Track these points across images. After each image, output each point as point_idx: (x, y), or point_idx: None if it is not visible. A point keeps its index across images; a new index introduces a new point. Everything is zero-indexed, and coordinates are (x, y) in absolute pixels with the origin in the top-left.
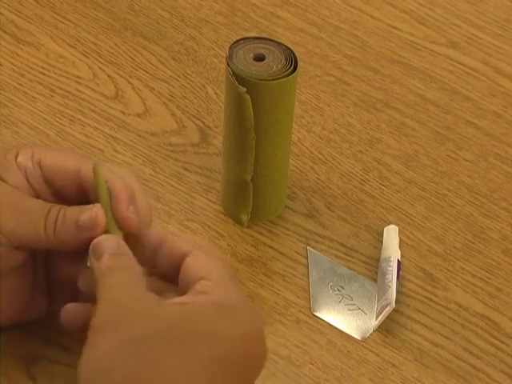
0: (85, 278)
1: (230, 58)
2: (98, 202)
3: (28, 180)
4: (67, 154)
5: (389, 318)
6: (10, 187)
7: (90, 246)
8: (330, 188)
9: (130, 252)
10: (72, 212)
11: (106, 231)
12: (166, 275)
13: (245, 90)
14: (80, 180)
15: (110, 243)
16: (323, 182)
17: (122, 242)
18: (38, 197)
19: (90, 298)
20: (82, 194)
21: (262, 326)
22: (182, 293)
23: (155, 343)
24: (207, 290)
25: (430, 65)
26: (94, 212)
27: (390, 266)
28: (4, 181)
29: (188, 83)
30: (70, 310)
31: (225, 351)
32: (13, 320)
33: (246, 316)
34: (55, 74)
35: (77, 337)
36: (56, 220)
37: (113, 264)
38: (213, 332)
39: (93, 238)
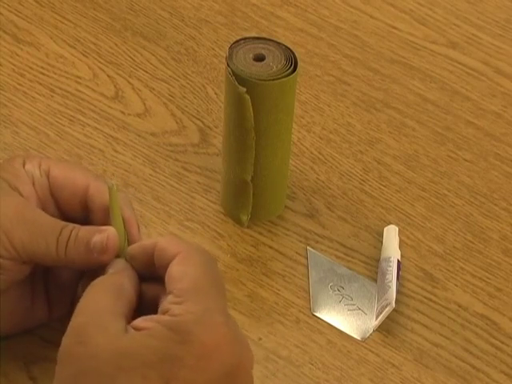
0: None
1: (229, 58)
2: (110, 223)
3: (35, 189)
4: (75, 167)
5: (389, 318)
6: (22, 199)
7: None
8: (329, 188)
9: (131, 273)
10: (85, 232)
11: (118, 254)
12: (161, 277)
13: (245, 90)
14: (86, 196)
15: (116, 264)
16: (323, 182)
17: (122, 260)
18: (42, 207)
19: None
20: (85, 211)
21: (223, 339)
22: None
23: (100, 375)
24: (168, 308)
25: (429, 65)
26: (106, 236)
27: (390, 266)
28: (16, 189)
29: (188, 83)
30: None
31: (179, 371)
32: (13, 329)
33: (201, 334)
34: (55, 74)
35: None
36: (68, 239)
37: (99, 280)
38: (163, 355)
39: (103, 260)
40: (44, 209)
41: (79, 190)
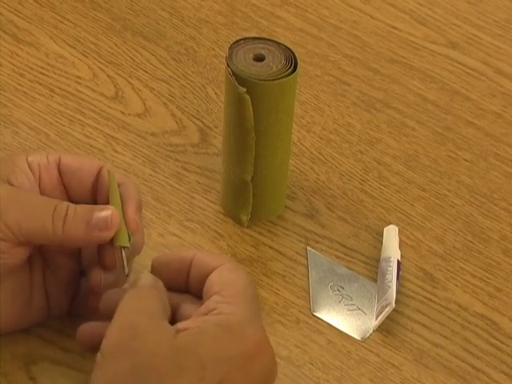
0: (109, 299)
1: (229, 58)
2: (109, 202)
3: (40, 179)
4: (82, 154)
5: (389, 318)
6: (12, 187)
7: (132, 279)
8: (329, 188)
9: (163, 289)
10: (83, 210)
11: (116, 233)
12: (197, 292)
13: (245, 90)
14: (98, 178)
15: (146, 277)
16: (323, 182)
17: (159, 281)
18: (46, 196)
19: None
20: (92, 197)
21: (267, 343)
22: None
23: (160, 372)
24: (215, 307)
25: (429, 65)
26: (111, 214)
27: (390, 266)
28: (9, 181)
29: (188, 83)
30: (87, 329)
31: (231, 371)
32: (12, 326)
33: (246, 333)
34: (55, 74)
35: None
36: (66, 216)
37: (144, 289)
38: (217, 353)
39: (103, 237)
40: (51, 197)
41: (93, 170)
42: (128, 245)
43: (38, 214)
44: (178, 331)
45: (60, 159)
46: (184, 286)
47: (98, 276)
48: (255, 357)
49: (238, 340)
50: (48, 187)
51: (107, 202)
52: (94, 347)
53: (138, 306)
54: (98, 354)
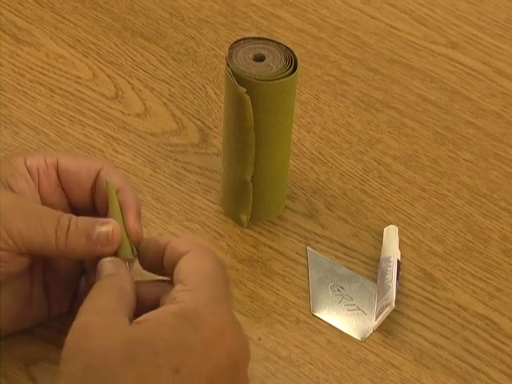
0: None
1: (229, 58)
2: (109, 214)
3: (39, 183)
4: (82, 154)
5: (389, 318)
6: (15, 194)
7: (97, 267)
8: (329, 188)
9: (126, 273)
10: (85, 224)
11: (119, 246)
12: (170, 275)
13: (245, 90)
14: (97, 181)
15: (108, 265)
16: (323, 182)
17: (123, 264)
18: (45, 200)
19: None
20: (91, 200)
21: (230, 325)
22: None
23: (112, 367)
24: (175, 297)
25: (429, 65)
26: (112, 229)
27: (390, 267)
28: (10, 186)
29: (188, 83)
30: None
31: (188, 357)
32: (12, 326)
33: (209, 319)
34: (55, 74)
35: None
36: (68, 228)
37: (100, 284)
38: (172, 342)
39: (105, 251)
40: (49, 202)
41: (92, 173)
42: (131, 256)
43: (41, 226)
44: (136, 324)
45: (58, 162)
46: (161, 272)
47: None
48: (216, 342)
49: (194, 327)
50: (47, 191)
51: (106, 207)
52: None
53: (93, 304)
54: (60, 361)
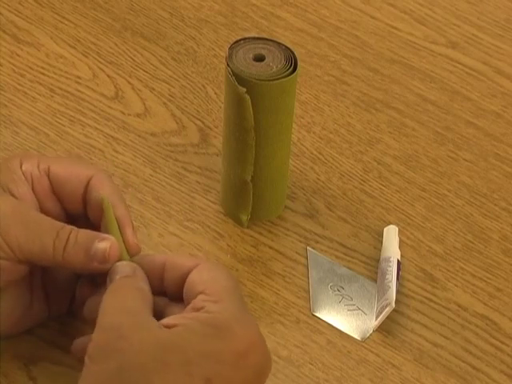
0: (91, 305)
1: (229, 58)
2: (106, 229)
3: (33, 189)
4: (77, 161)
5: (389, 318)
6: (17, 201)
7: (111, 269)
8: (329, 188)
9: (143, 275)
10: (84, 237)
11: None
12: (174, 294)
13: (245, 90)
14: (88, 187)
15: (124, 267)
16: (323, 182)
17: (138, 267)
18: (41, 207)
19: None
20: (84, 207)
21: (259, 338)
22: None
23: (146, 370)
24: (203, 306)
25: (429, 65)
26: (109, 245)
27: (390, 266)
28: (10, 191)
29: (188, 83)
30: (80, 343)
31: (220, 368)
32: (13, 330)
33: (237, 332)
34: (55, 74)
35: (77, 338)
36: (67, 241)
37: (118, 284)
38: (204, 351)
39: (102, 268)
40: (45, 208)
41: (82, 181)
42: None
43: (40, 237)
44: (166, 327)
45: (49, 169)
46: (158, 289)
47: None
48: (248, 353)
49: (227, 338)
50: (41, 198)
51: (98, 217)
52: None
53: (119, 304)
54: (86, 358)
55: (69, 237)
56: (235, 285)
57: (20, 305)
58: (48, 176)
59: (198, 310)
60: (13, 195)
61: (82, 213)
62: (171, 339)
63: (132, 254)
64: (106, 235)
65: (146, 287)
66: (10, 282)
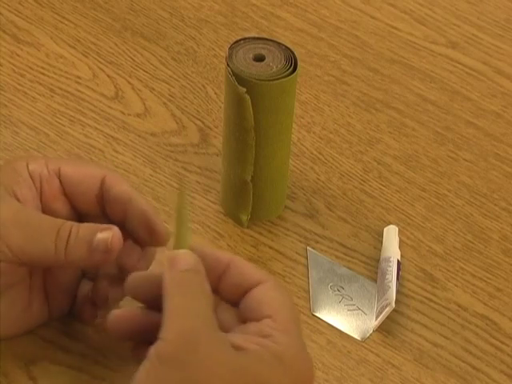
0: (135, 282)
1: (229, 58)
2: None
3: (42, 189)
4: (84, 161)
5: (389, 318)
6: (18, 204)
7: (166, 258)
8: (329, 188)
9: (204, 271)
10: (86, 230)
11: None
12: (227, 296)
13: (245, 90)
14: (103, 188)
15: (187, 258)
16: (323, 182)
17: (199, 261)
18: (48, 207)
19: (87, 303)
20: (101, 205)
21: (312, 376)
22: (241, 318)
23: None
24: (271, 334)
25: (429, 65)
26: (111, 235)
27: (390, 267)
28: (14, 193)
29: (188, 83)
30: (120, 316)
31: None
32: (13, 331)
33: (299, 368)
34: (55, 74)
35: (77, 338)
36: (68, 237)
37: (185, 280)
38: (269, 383)
39: (106, 259)
40: (52, 209)
41: (96, 181)
42: None
43: (41, 239)
44: (236, 348)
45: (60, 170)
46: (212, 286)
47: (104, 289)
48: None
49: (291, 374)
50: (50, 199)
51: (119, 210)
52: (129, 335)
53: (190, 305)
54: (153, 354)
55: (70, 233)
56: (298, 315)
57: (19, 306)
58: (58, 177)
59: (264, 336)
60: (16, 197)
61: (94, 212)
62: (241, 365)
63: (161, 243)
64: (107, 226)
65: (208, 286)
66: (9, 285)
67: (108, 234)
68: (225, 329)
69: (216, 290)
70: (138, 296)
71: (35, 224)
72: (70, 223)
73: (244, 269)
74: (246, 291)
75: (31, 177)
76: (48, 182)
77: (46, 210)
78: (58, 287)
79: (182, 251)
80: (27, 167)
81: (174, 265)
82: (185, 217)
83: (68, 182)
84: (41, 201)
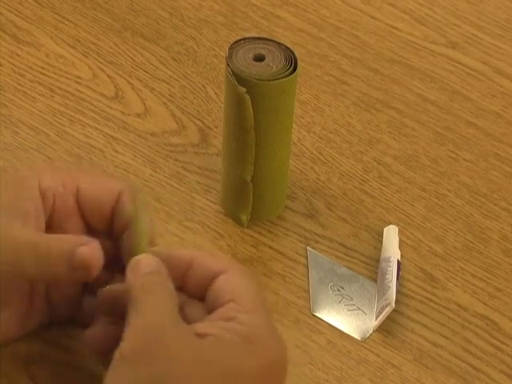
0: (107, 297)
1: (229, 58)
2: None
3: (54, 206)
4: (102, 174)
5: (389, 318)
6: (11, 225)
7: (129, 264)
8: (329, 188)
9: (166, 271)
10: (65, 245)
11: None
12: (194, 292)
13: (245, 90)
14: (118, 205)
15: (148, 261)
16: (323, 182)
17: (160, 262)
18: (58, 225)
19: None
20: (111, 222)
21: (284, 356)
22: (208, 310)
23: (179, 380)
24: (235, 316)
25: (429, 65)
26: (89, 252)
27: (390, 266)
28: (16, 208)
29: (188, 83)
30: (96, 332)
31: (248, 382)
32: (13, 336)
33: (268, 347)
34: (55, 74)
35: (77, 338)
36: (49, 253)
37: (148, 281)
38: (235, 364)
39: (88, 276)
40: (64, 226)
41: (112, 197)
42: None
43: (21, 257)
44: (199, 336)
45: (78, 189)
46: (177, 284)
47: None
48: (272, 372)
49: (258, 353)
50: (62, 217)
51: (123, 225)
52: (105, 351)
53: (153, 304)
54: (118, 355)
55: (50, 246)
56: (261, 293)
57: (20, 312)
58: (76, 196)
59: (228, 319)
60: (20, 213)
61: (107, 228)
62: (207, 352)
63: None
64: (86, 240)
65: (172, 285)
66: (10, 291)
67: (85, 251)
68: (194, 323)
69: (182, 288)
70: (110, 310)
71: (15, 244)
72: (47, 239)
73: (206, 262)
74: (210, 283)
75: (43, 194)
76: (62, 200)
77: (56, 227)
78: (60, 293)
79: (142, 255)
80: (39, 185)
81: (136, 269)
82: (141, 221)
83: (85, 198)
84: (52, 218)
